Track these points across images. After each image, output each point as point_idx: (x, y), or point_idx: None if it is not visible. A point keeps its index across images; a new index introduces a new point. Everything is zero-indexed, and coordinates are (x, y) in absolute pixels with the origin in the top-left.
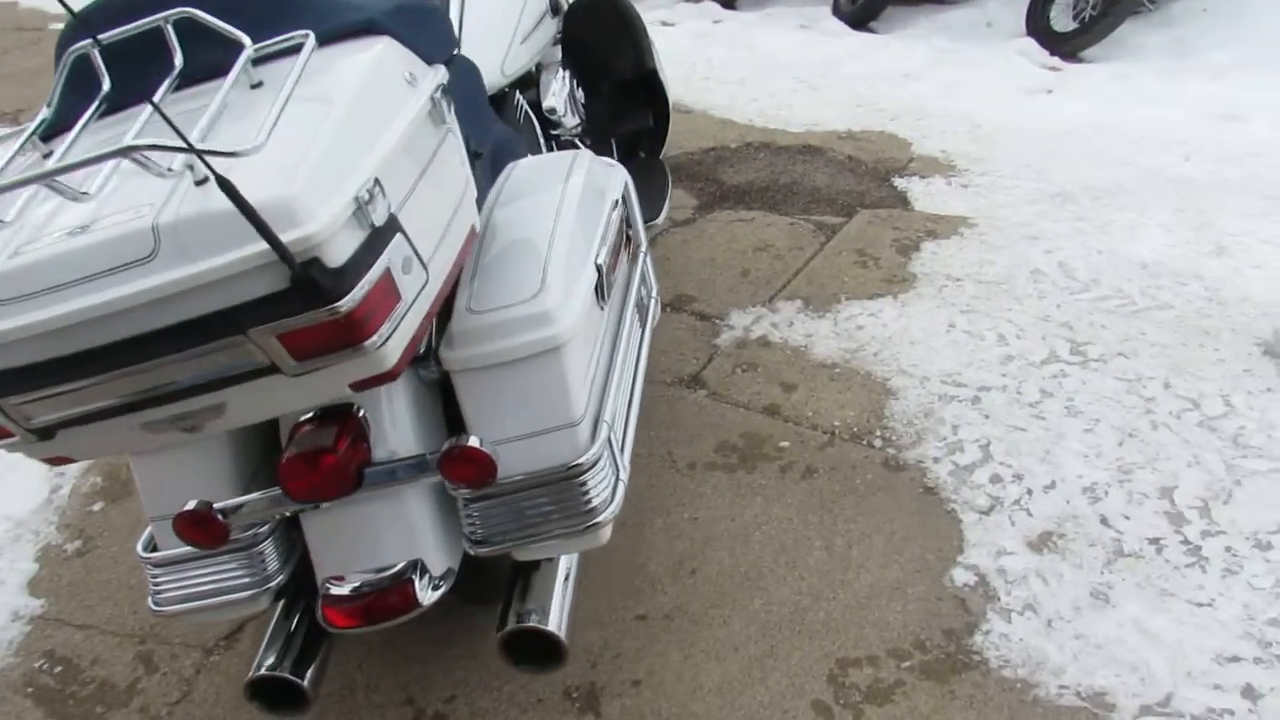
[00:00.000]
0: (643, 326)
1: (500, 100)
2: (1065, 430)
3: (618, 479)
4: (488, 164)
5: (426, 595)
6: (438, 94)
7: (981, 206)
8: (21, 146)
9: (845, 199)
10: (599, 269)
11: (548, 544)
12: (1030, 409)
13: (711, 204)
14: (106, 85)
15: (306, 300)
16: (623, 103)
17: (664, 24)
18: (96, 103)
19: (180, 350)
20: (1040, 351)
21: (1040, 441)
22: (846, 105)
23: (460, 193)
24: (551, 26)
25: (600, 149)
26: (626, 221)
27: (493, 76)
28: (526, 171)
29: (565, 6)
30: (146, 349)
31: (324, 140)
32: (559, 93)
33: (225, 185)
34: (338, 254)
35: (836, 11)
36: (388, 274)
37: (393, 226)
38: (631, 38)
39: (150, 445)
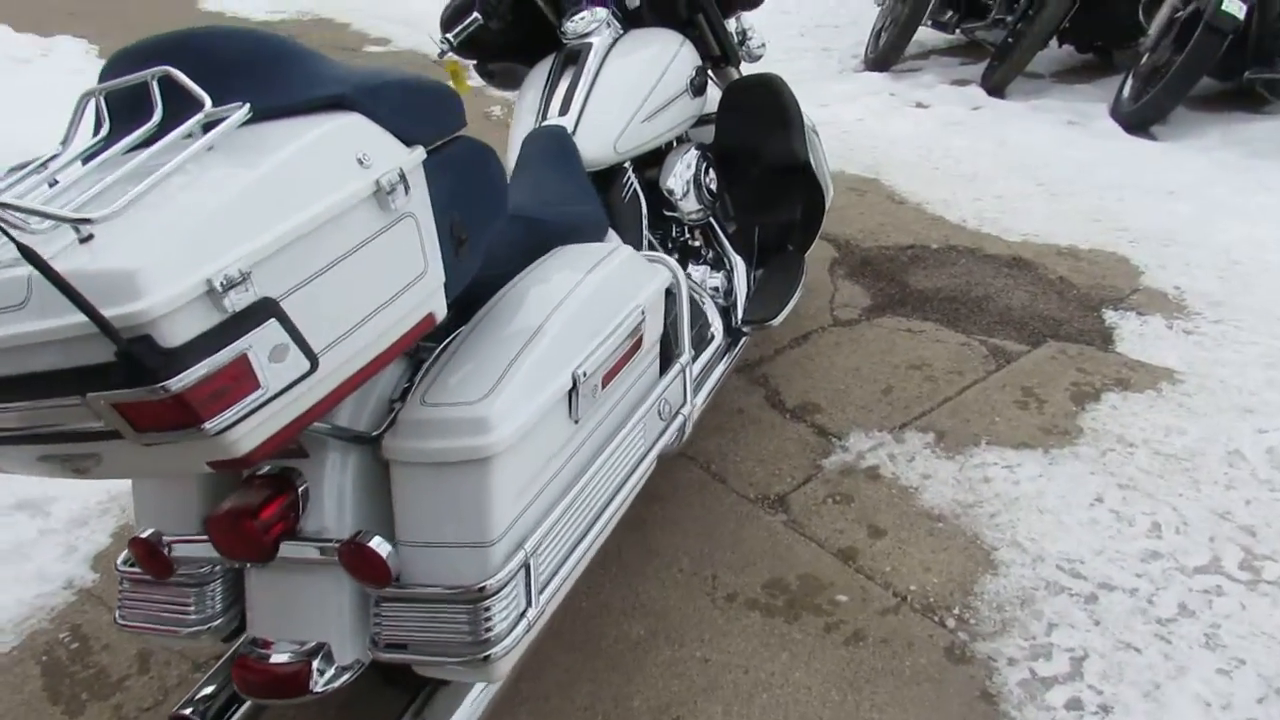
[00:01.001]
0: (649, 446)
1: (609, 177)
2: (1192, 664)
3: (522, 616)
4: (494, 247)
5: (319, 682)
6: (392, 177)
7: (1199, 361)
8: (23, 176)
9: (1037, 325)
10: (575, 380)
11: (443, 666)
12: (1157, 625)
13: (884, 307)
14: (105, 129)
15: (130, 376)
16: (772, 192)
17: (919, 105)
18: (91, 144)
19: (30, 399)
20: (1200, 555)
21: (1153, 671)
22: (1082, 218)
23: (409, 279)
24: (689, 107)
25: (742, 238)
26: (673, 327)
27: (602, 152)
28: (559, 259)
29: (713, 87)
30: (6, 391)
31: (203, 214)
32: (681, 174)
33: (27, 253)
34: (175, 334)
35: (1115, 111)
36: (243, 359)
37: (263, 311)
38: (784, 126)
39: (52, 475)
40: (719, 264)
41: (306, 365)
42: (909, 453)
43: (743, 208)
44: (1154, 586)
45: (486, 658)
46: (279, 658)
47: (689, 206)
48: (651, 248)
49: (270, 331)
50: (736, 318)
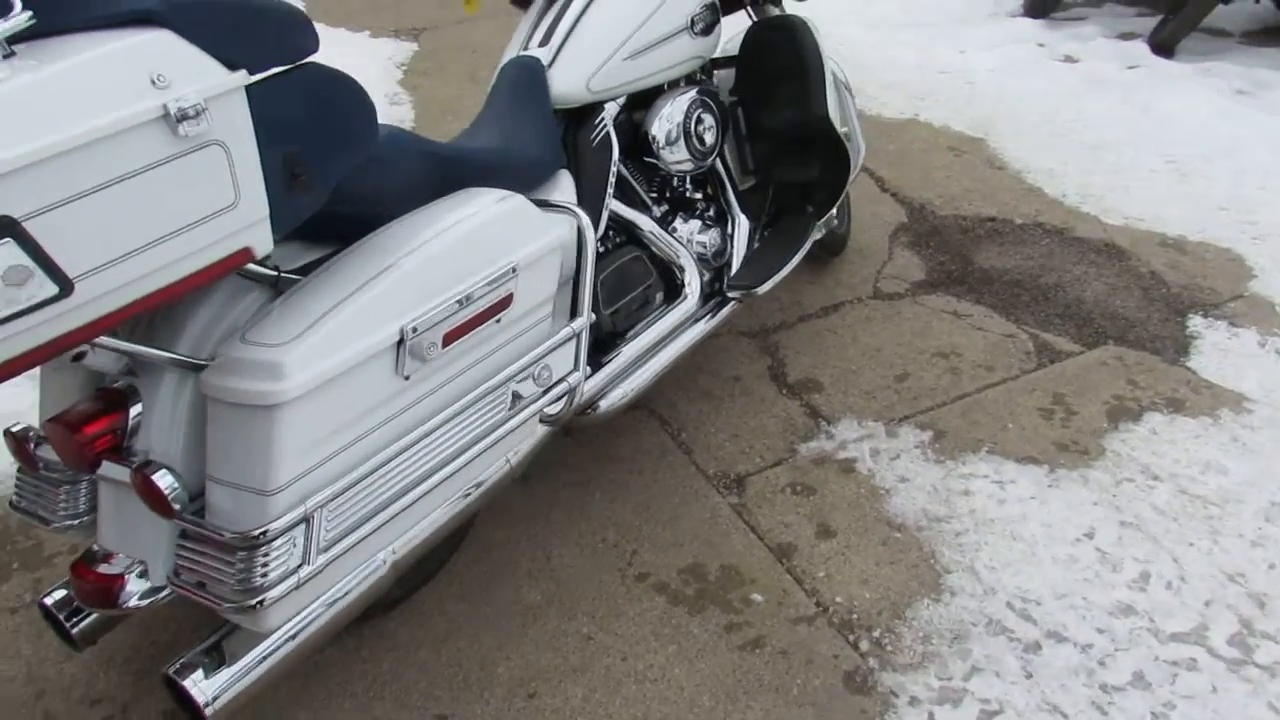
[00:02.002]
0: (517, 413)
1: (579, 116)
2: None
3: (294, 571)
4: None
5: (129, 598)
6: (188, 101)
7: None
8: None
9: (1103, 325)
10: (403, 334)
11: (220, 607)
12: (1099, 691)
13: (936, 284)
14: None
15: None
16: (790, 148)
17: (1066, 59)
18: None
19: None
20: (1184, 620)
21: None
22: (1207, 204)
23: (210, 210)
24: (690, 46)
25: (756, 194)
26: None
27: (573, 90)
28: (449, 202)
29: (727, 24)
30: None
31: None
32: (667, 120)
33: None
34: None
35: None
36: None
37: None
38: (802, 76)
39: None
40: (720, 220)
41: (55, 289)
42: (895, 450)
43: (760, 162)
44: (1113, 646)
45: (251, 606)
46: (106, 568)
47: (673, 156)
48: (626, 199)
49: (6, 251)
50: (727, 280)
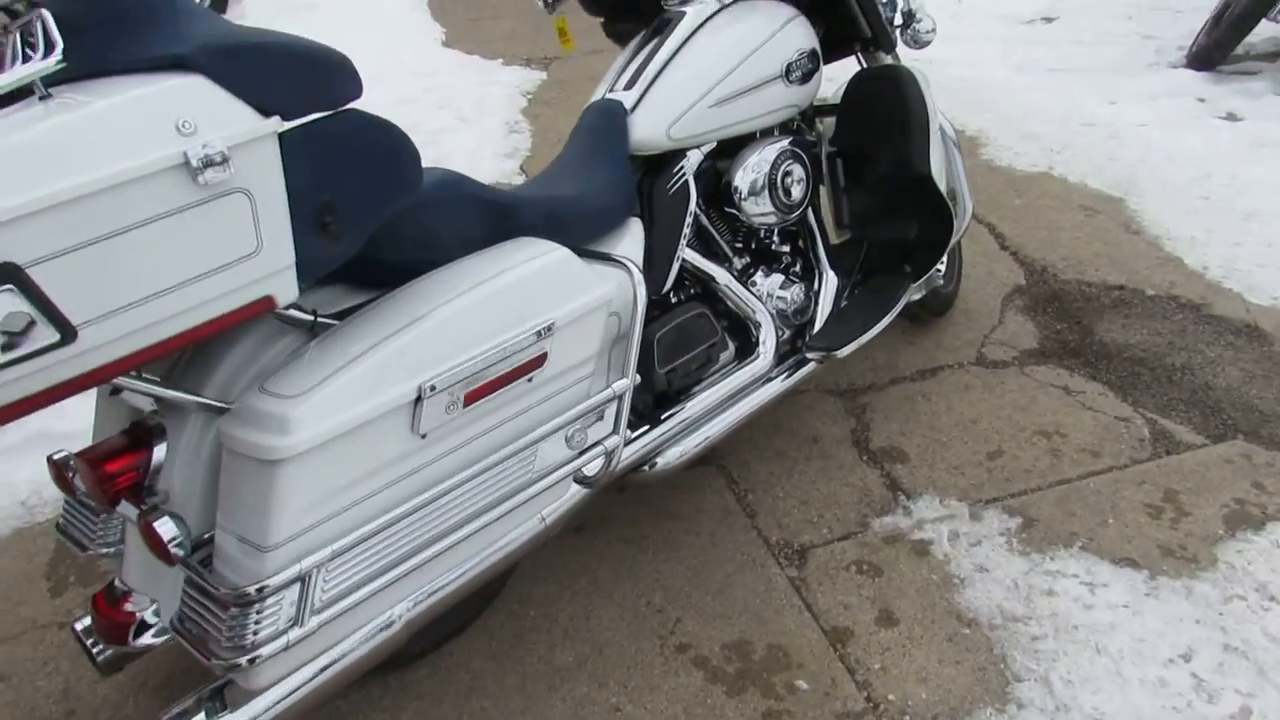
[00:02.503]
0: (544, 475)
1: (658, 163)
2: None
3: (284, 634)
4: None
5: (144, 638)
6: (212, 149)
7: None
8: None
9: (1234, 417)
10: (420, 393)
11: (208, 660)
12: None
13: (1049, 355)
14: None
15: None
16: (889, 204)
17: (1228, 117)
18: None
19: None
20: None
21: None
22: None
23: (231, 258)
24: (782, 95)
25: (852, 249)
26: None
27: (652, 136)
28: (494, 253)
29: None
30: None
31: None
32: (751, 171)
33: None
34: None
35: None
36: None
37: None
38: (904, 129)
39: None
40: (806, 275)
41: (56, 336)
42: (977, 535)
43: (857, 217)
44: None
45: (237, 664)
46: (124, 606)
47: (755, 208)
48: (706, 250)
49: (6, 298)
50: (807, 338)
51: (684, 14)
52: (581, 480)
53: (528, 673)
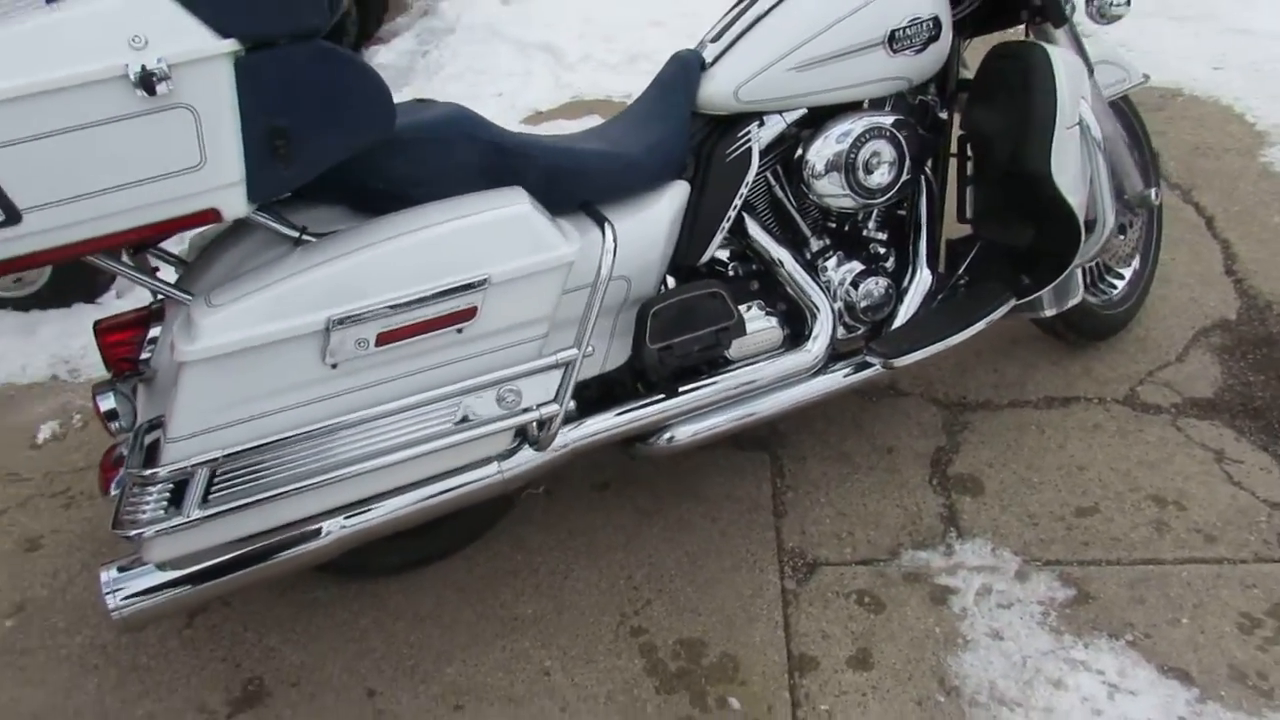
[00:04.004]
0: (466, 429)
1: (727, 125)
2: None
3: (167, 520)
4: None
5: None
6: (155, 64)
7: None
8: None
9: None
10: (328, 324)
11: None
12: None
13: (1219, 410)
14: None
15: None
16: (1006, 203)
17: None
18: None
19: None
20: None
21: None
22: None
23: (173, 168)
24: (884, 66)
25: (961, 249)
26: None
27: (719, 96)
28: (458, 201)
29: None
30: None
31: None
32: (827, 147)
33: None
34: None
35: None
36: None
37: None
38: (1026, 118)
39: None
40: (899, 270)
41: (1, 215)
42: (1011, 597)
43: (976, 213)
44: None
45: (127, 536)
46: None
47: (826, 189)
48: (780, 226)
49: None
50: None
51: None
52: (533, 443)
53: (485, 613)
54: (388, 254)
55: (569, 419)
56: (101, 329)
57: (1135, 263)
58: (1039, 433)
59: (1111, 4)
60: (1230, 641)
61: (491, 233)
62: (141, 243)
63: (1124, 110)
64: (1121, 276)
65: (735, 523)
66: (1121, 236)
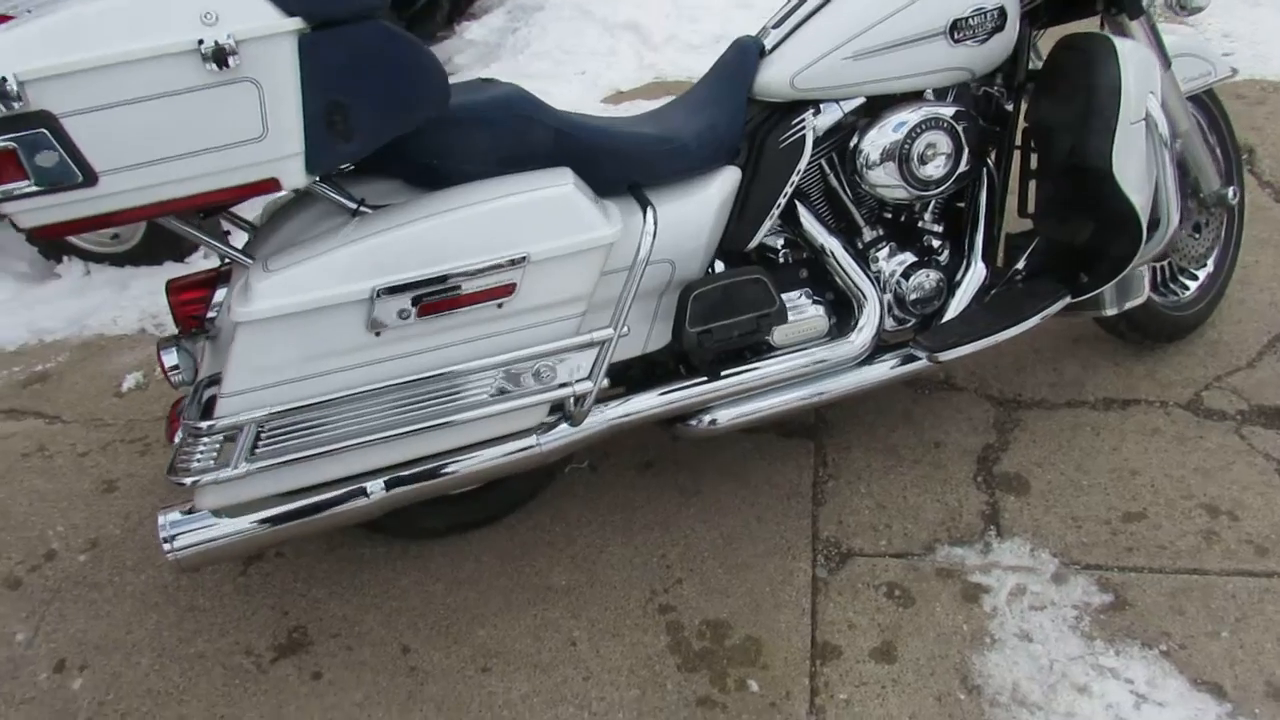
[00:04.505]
0: (503, 402)
1: (784, 112)
2: None
3: (215, 471)
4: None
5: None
6: (224, 40)
7: None
8: None
9: None
10: (374, 294)
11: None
12: None
13: (1255, 415)
14: None
15: None
16: (1066, 198)
17: None
18: None
19: None
20: None
21: None
22: None
23: (237, 138)
24: (945, 56)
25: (1020, 243)
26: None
27: (775, 83)
28: (506, 180)
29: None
30: None
31: (34, 29)
32: (881, 137)
33: None
34: None
35: None
36: (11, 152)
37: (36, 120)
38: (1088, 111)
39: None
40: (953, 262)
41: (79, 177)
42: (1046, 599)
43: (1037, 208)
44: None
45: (180, 483)
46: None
47: (879, 179)
48: (833, 214)
49: (39, 139)
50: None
51: None
52: (568, 418)
53: (521, 581)
54: (432, 229)
55: (611, 397)
56: (173, 288)
57: (1210, 264)
58: (1093, 434)
59: None
60: (1270, 658)
61: (534, 212)
62: (209, 208)
63: (1207, 105)
64: (1195, 278)
65: (773, 508)
66: (1196, 236)
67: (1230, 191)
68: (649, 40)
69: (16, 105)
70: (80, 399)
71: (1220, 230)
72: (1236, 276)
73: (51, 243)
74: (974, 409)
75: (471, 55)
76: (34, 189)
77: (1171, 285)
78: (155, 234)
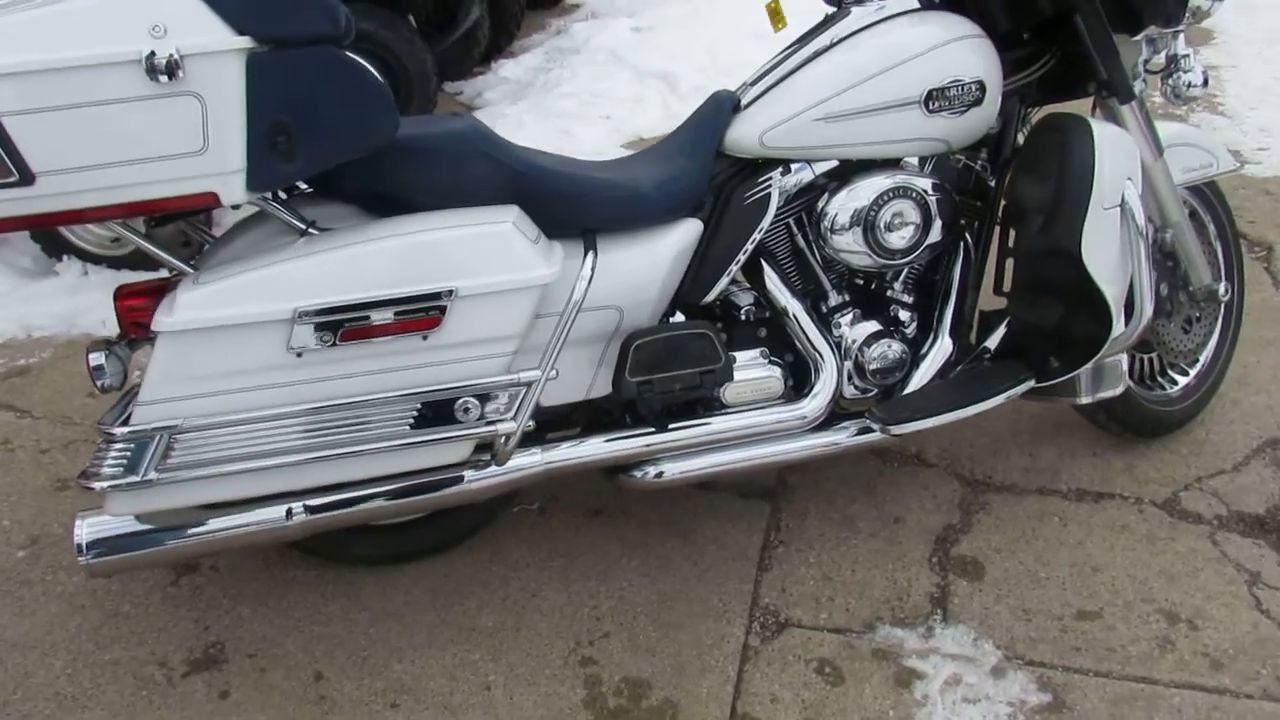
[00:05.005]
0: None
1: (748, 169)
2: None
3: (122, 478)
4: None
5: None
6: (170, 54)
7: None
8: None
9: None
10: (293, 316)
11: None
12: None
13: (1267, 530)
14: None
15: None
16: (1035, 279)
17: None
18: None
19: None
20: None
21: None
22: None
23: (176, 151)
24: (919, 126)
25: (991, 321)
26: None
27: (745, 139)
28: (453, 213)
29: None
30: None
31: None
32: (849, 202)
33: None
34: None
35: None
36: None
37: None
38: (1060, 192)
39: None
40: (919, 335)
41: (16, 176)
42: (980, 693)
43: (1013, 287)
44: None
45: (89, 487)
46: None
47: (844, 244)
48: (800, 275)
49: None
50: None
51: (849, 11)
52: (494, 457)
53: (448, 619)
54: (362, 254)
55: (559, 439)
56: (121, 293)
57: (1203, 361)
58: (1060, 525)
59: (1187, 85)
60: None
61: (467, 246)
62: (148, 216)
63: (1207, 197)
64: (1185, 373)
65: (715, 569)
66: (1186, 331)
67: (1222, 287)
68: (677, 89)
69: None
70: (54, 396)
71: (1215, 327)
72: (1235, 375)
73: (53, 240)
74: (941, 487)
75: (502, 92)
76: None
77: (1159, 379)
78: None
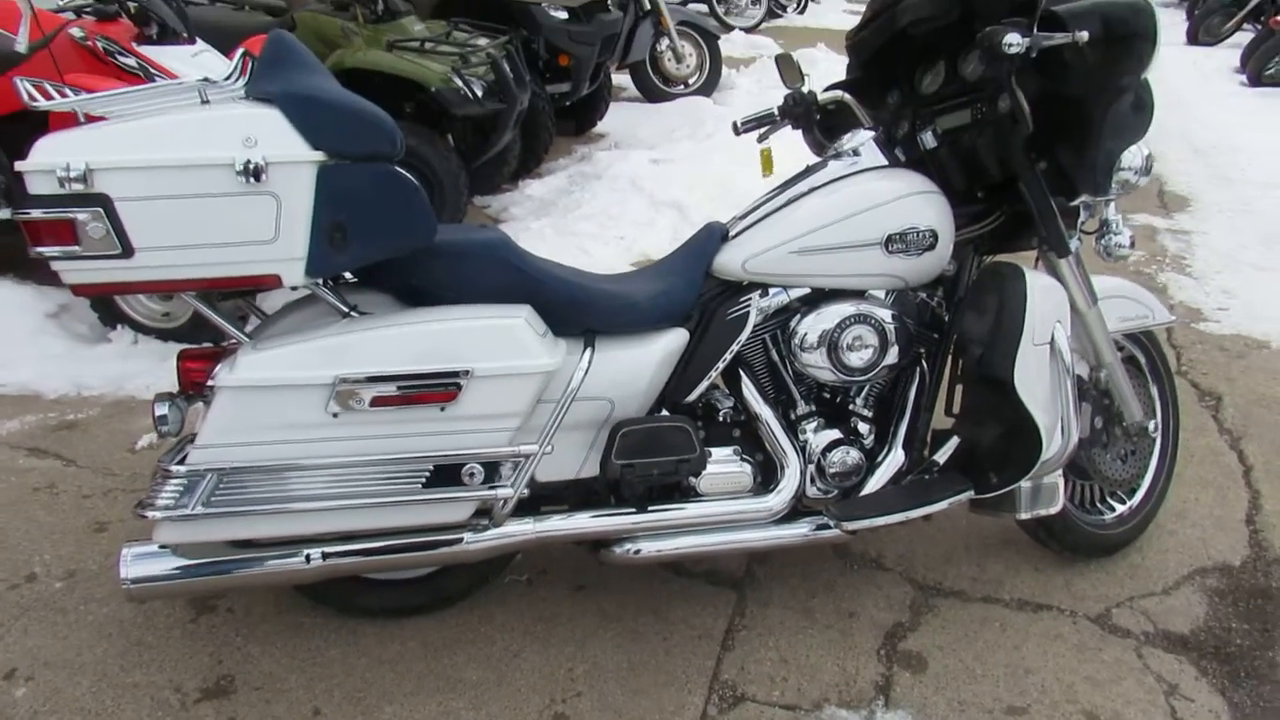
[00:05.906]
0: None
1: (733, 290)
2: None
3: (170, 511)
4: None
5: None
6: (258, 160)
7: None
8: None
9: None
10: (335, 381)
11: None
12: None
13: (1189, 648)
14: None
15: (8, 201)
16: (975, 404)
17: None
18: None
19: None
20: None
21: None
22: None
23: (251, 238)
24: (880, 264)
25: (940, 440)
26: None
27: (729, 264)
28: (476, 308)
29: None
30: None
31: (112, 129)
32: (816, 324)
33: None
34: (34, 187)
35: None
36: (69, 222)
37: (95, 200)
38: (996, 327)
39: None
40: (877, 445)
41: (119, 249)
42: None
43: (960, 408)
44: None
45: (143, 516)
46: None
47: (810, 360)
48: (772, 384)
49: (94, 214)
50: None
51: (827, 165)
52: (492, 521)
53: (436, 669)
54: (396, 335)
55: (552, 512)
56: (183, 355)
57: (1139, 491)
58: (1000, 630)
59: (1117, 245)
60: None
61: (484, 335)
62: (222, 291)
63: (1144, 344)
64: (1123, 501)
65: (682, 645)
66: (1122, 464)
67: (1152, 425)
68: (687, 217)
69: (82, 186)
70: (98, 449)
71: (1150, 461)
72: (1174, 509)
73: (109, 310)
74: (895, 588)
75: (527, 209)
76: (82, 253)
77: (1099, 504)
78: (201, 317)
